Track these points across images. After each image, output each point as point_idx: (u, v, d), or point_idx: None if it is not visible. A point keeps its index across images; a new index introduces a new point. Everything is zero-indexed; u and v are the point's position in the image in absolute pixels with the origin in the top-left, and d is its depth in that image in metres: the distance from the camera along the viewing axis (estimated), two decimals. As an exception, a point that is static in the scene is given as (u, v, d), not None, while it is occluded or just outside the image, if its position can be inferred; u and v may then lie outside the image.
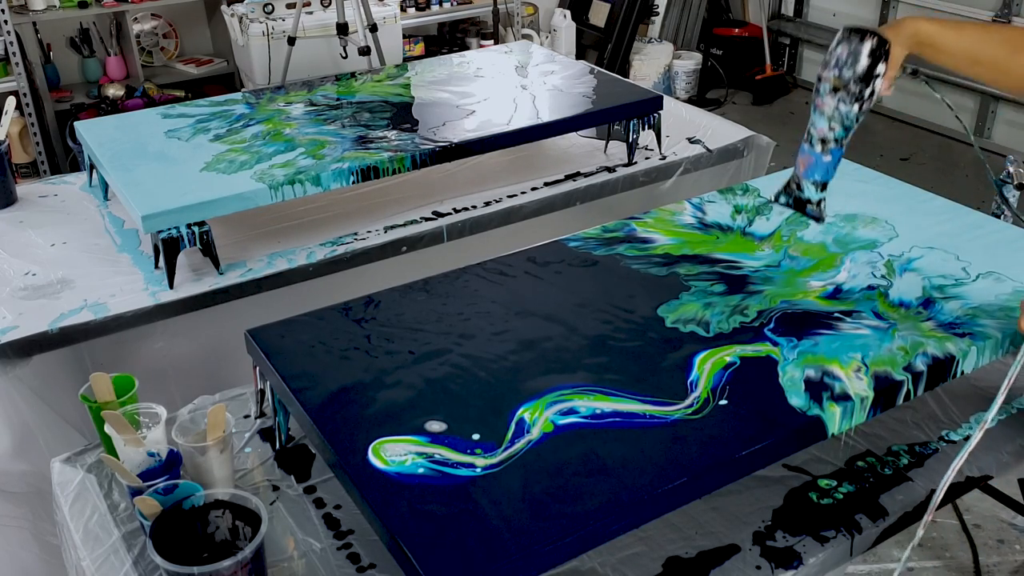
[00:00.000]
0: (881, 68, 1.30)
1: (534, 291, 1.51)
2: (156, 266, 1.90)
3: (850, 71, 1.31)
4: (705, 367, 1.31)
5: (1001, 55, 1.34)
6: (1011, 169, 1.99)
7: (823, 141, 1.37)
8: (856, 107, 1.32)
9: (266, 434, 1.46)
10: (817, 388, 1.26)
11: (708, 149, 2.46)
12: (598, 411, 1.22)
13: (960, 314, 1.42)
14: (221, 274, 1.90)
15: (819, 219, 1.46)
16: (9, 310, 1.78)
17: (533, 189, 2.26)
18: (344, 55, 3.89)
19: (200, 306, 1.85)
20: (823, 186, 1.42)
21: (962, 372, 1.35)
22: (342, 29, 3.81)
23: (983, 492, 1.69)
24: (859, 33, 1.31)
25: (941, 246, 1.61)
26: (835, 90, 1.33)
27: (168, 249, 1.83)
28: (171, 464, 1.26)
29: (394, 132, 2.14)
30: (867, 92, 1.31)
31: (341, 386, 1.29)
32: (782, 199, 1.48)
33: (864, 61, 1.29)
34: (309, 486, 1.37)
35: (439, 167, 2.21)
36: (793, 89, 5.60)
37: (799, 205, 1.46)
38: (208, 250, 1.88)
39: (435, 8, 4.84)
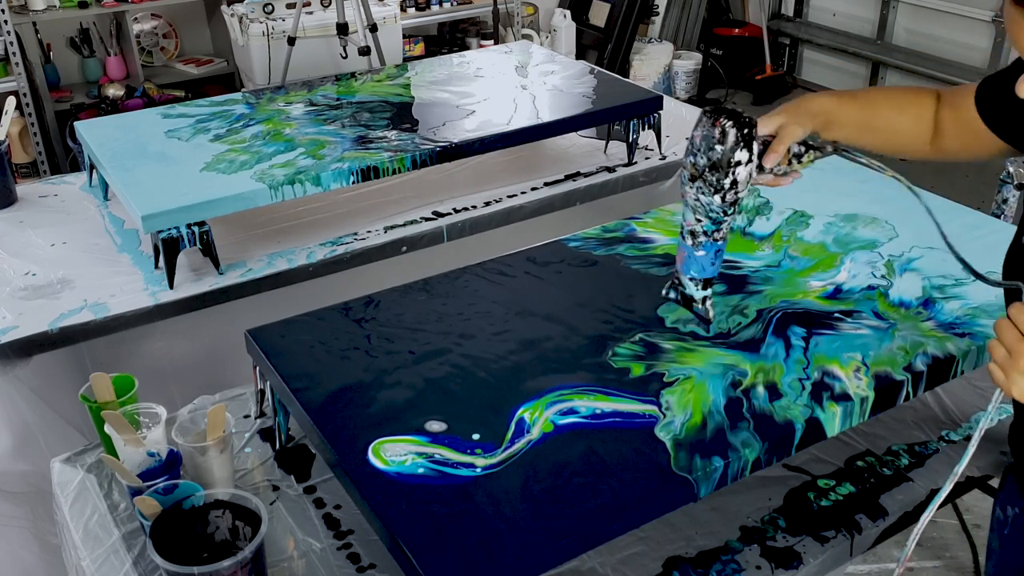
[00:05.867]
0: (742, 155, 1.14)
1: (534, 291, 1.51)
2: (156, 266, 1.90)
3: (704, 159, 1.15)
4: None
5: (890, 117, 1.30)
6: (1011, 169, 1.99)
7: (692, 234, 1.23)
8: (718, 198, 1.16)
9: (266, 434, 1.46)
10: (817, 388, 1.26)
11: (708, 149, 2.45)
12: (598, 411, 1.22)
13: (960, 314, 1.42)
14: (221, 274, 1.90)
15: (706, 320, 1.29)
16: (9, 310, 1.78)
17: (533, 189, 2.26)
18: (344, 55, 3.89)
19: (200, 306, 1.86)
20: (704, 283, 1.26)
21: (962, 372, 1.35)
22: (342, 29, 3.81)
23: (983, 492, 1.69)
24: (713, 116, 1.16)
25: (941, 246, 1.60)
26: (692, 179, 1.18)
27: (168, 249, 1.83)
28: (171, 464, 1.26)
29: (394, 132, 2.14)
30: (727, 182, 1.14)
31: (341, 386, 1.28)
32: (671, 294, 1.31)
33: (718, 148, 1.14)
34: (309, 486, 1.37)
35: (439, 167, 2.21)
36: (793, 89, 5.60)
37: (686, 302, 1.30)
38: (208, 250, 1.88)
39: (435, 8, 4.84)
